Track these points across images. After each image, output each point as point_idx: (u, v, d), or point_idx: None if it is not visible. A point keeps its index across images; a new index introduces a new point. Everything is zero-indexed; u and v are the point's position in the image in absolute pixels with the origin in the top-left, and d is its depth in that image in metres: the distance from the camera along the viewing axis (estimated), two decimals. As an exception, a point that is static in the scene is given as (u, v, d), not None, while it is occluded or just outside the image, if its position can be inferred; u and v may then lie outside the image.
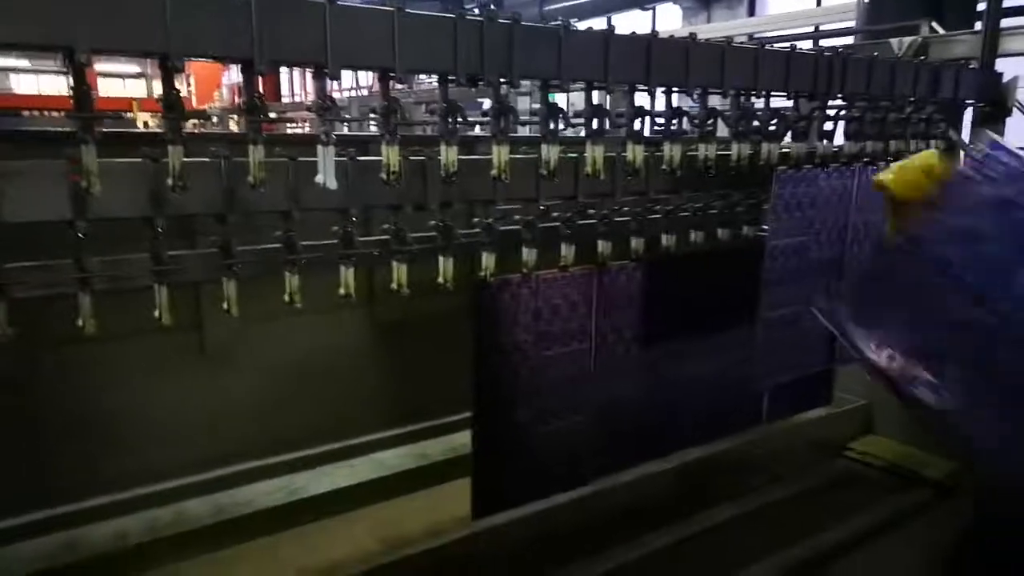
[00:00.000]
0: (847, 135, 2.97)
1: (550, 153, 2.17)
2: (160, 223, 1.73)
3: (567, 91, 2.22)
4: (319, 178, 1.78)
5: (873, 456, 3.67)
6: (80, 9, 1.39)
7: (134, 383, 2.68)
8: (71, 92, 1.48)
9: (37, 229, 1.75)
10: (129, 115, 9.95)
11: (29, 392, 2.49)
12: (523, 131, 3.05)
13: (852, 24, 7.52)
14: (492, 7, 1.95)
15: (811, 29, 9.56)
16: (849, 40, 7.21)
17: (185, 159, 1.64)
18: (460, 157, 2.02)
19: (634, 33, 2.28)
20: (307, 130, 11.06)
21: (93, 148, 1.50)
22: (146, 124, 10.80)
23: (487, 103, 2.09)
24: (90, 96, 1.49)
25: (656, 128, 2.47)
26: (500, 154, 2.06)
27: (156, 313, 1.79)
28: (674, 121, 2.44)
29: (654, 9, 14.73)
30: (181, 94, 1.62)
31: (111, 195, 1.57)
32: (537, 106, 2.21)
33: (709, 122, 2.55)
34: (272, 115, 1.73)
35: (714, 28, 11.27)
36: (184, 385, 2.78)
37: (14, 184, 1.51)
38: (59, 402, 2.55)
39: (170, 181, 1.61)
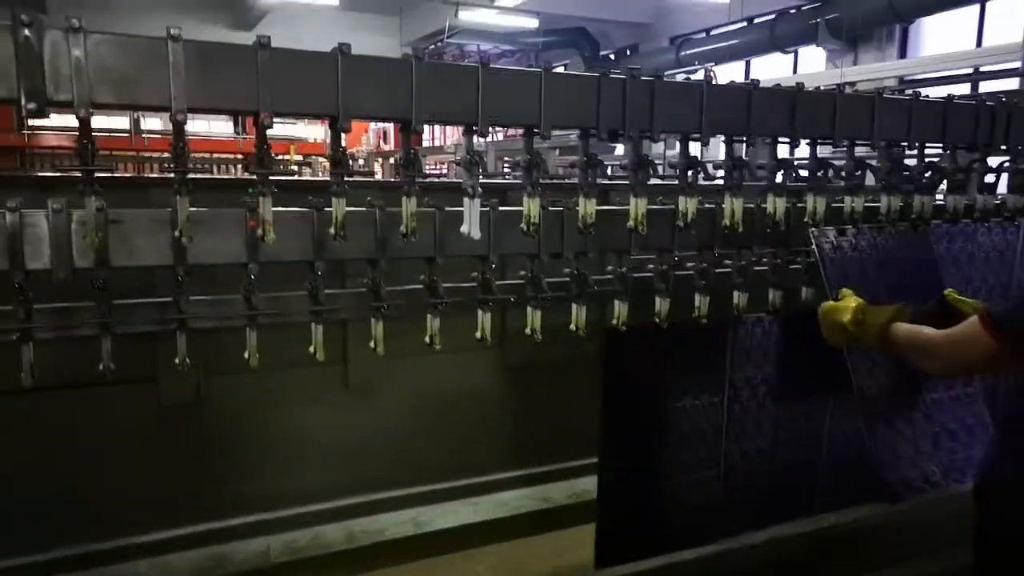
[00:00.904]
0: (1011, 188, 2.77)
1: (687, 205, 2.17)
2: (320, 267, 1.88)
3: (706, 143, 2.22)
4: (464, 228, 1.87)
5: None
6: (266, 79, 1.56)
7: (283, 412, 2.87)
8: (255, 149, 1.65)
9: (211, 268, 1.95)
10: (287, 158, 10.80)
11: (195, 415, 2.72)
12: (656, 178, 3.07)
13: (1016, 65, 6.99)
14: (628, 55, 1.99)
15: (969, 71, 8.99)
16: (1013, 83, 6.72)
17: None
18: (597, 208, 2.06)
19: (778, 86, 2.25)
20: (443, 174, 11.55)
21: (270, 200, 1.66)
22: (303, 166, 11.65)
23: (620, 148, 2.12)
24: (271, 154, 1.66)
25: (797, 179, 2.42)
26: (637, 206, 2.09)
27: (311, 348, 1.93)
28: (818, 172, 2.38)
29: (796, 52, 14.33)
30: (347, 151, 1.76)
31: (280, 241, 1.73)
32: (673, 152, 2.22)
33: (856, 173, 2.46)
34: (424, 169, 1.85)
35: (861, 71, 10.79)
36: (327, 416, 2.95)
37: (200, 230, 1.69)
38: (218, 425, 2.77)
39: (332, 230, 1.75)
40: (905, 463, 2.51)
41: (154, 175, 2.65)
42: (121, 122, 10.50)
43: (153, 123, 11.30)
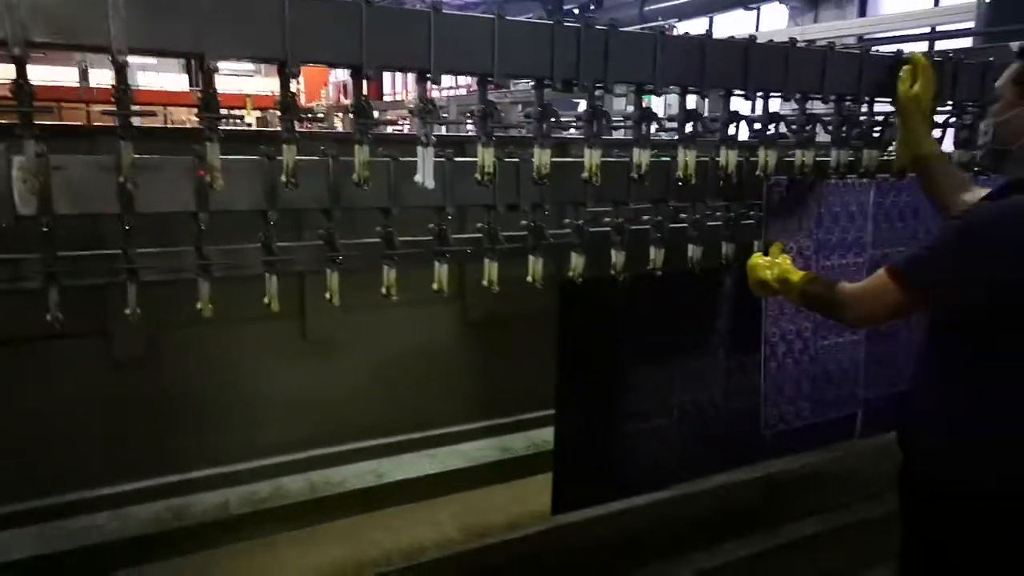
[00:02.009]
0: (957, 143, 2.84)
1: (641, 157, 2.19)
2: (272, 216, 1.86)
3: (661, 95, 2.23)
4: (418, 178, 1.87)
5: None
6: (211, 20, 1.52)
7: (241, 365, 2.86)
8: (199, 94, 1.62)
9: (161, 219, 1.93)
10: (243, 112, 10.53)
11: (150, 369, 2.70)
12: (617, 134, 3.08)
13: (971, 25, 7.09)
14: (592, 8, 1.99)
15: (927, 30, 9.09)
16: (967, 42, 6.83)
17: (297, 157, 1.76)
18: (553, 159, 2.07)
19: (731, 38, 2.27)
20: (406, 129, 11.41)
21: (218, 146, 1.63)
22: (257, 121, 11.40)
23: (582, 105, 2.13)
24: (216, 99, 1.63)
25: (752, 133, 2.45)
26: (592, 157, 2.10)
27: (265, 300, 1.93)
28: (771, 126, 2.42)
29: (759, 9, 14.32)
30: (296, 96, 1.74)
31: (231, 190, 1.70)
32: (631, 109, 2.23)
33: (808, 128, 2.50)
34: (376, 116, 1.83)
35: (822, 28, 10.86)
36: (285, 369, 2.95)
37: (147, 178, 1.66)
38: (174, 379, 2.75)
39: (284, 178, 1.73)
40: (784, 400, 2.69)
41: (102, 124, 2.58)
42: (70, 74, 10.14)
43: (104, 76, 10.93)
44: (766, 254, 2.15)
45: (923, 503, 1.87)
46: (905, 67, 2.38)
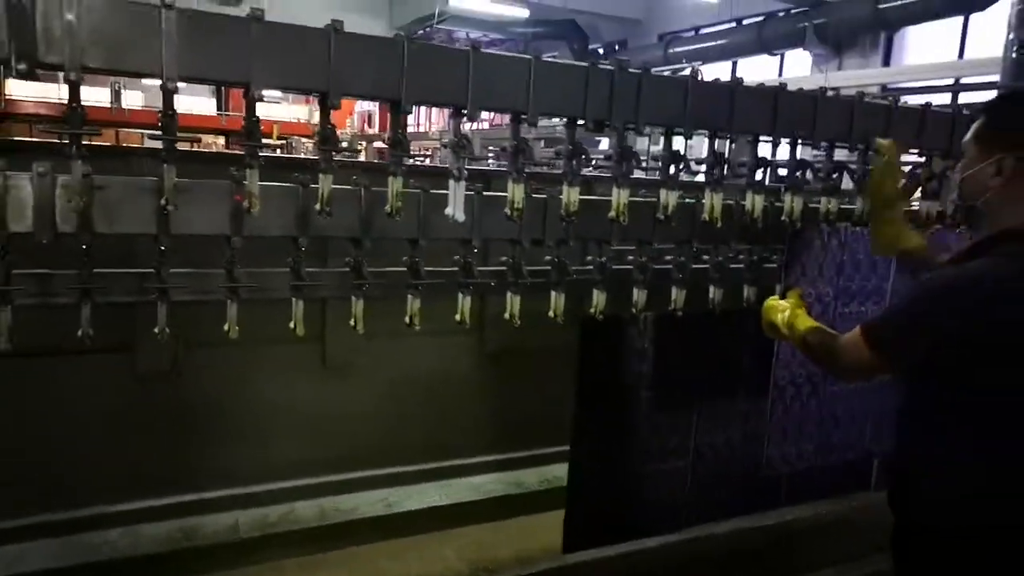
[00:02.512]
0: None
1: (668, 198, 2.21)
2: (303, 243, 1.89)
3: (691, 137, 2.26)
4: (449, 210, 1.90)
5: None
6: (259, 51, 1.57)
7: (260, 387, 2.88)
8: (244, 122, 1.66)
9: (192, 241, 1.96)
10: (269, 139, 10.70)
11: (171, 386, 2.72)
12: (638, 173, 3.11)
13: (996, 79, 7.12)
14: (617, 49, 2.03)
15: (950, 82, 9.13)
16: (992, 95, 6.84)
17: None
18: (580, 197, 2.10)
19: (762, 84, 2.30)
20: (429, 161, 11.54)
21: (257, 173, 1.67)
22: (287, 147, 11.58)
23: (605, 142, 2.16)
24: (259, 126, 1.67)
25: (778, 179, 2.47)
26: (620, 197, 2.12)
27: (291, 324, 1.95)
28: (797, 173, 2.43)
29: (782, 55, 14.46)
30: (335, 127, 1.77)
31: (265, 215, 1.74)
32: (656, 149, 2.26)
33: (834, 175, 2.51)
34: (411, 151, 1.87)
35: (846, 77, 10.91)
36: (303, 394, 2.96)
37: (185, 200, 1.70)
38: (194, 398, 2.77)
39: (318, 206, 1.76)
40: (787, 441, 2.70)
41: (136, 145, 2.65)
42: (101, 95, 10.34)
43: (134, 98, 11.14)
44: (784, 298, 2.16)
45: (929, 556, 1.83)
46: (876, 159, 2.25)
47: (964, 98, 8.37)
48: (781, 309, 2.09)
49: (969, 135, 1.79)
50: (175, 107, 1.62)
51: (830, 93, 2.44)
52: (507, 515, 3.11)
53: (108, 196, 1.68)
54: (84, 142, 1.58)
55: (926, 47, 12.10)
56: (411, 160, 1.93)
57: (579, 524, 2.53)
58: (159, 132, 1.58)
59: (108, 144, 3.40)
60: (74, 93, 1.49)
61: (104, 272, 1.85)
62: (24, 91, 10.86)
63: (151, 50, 1.49)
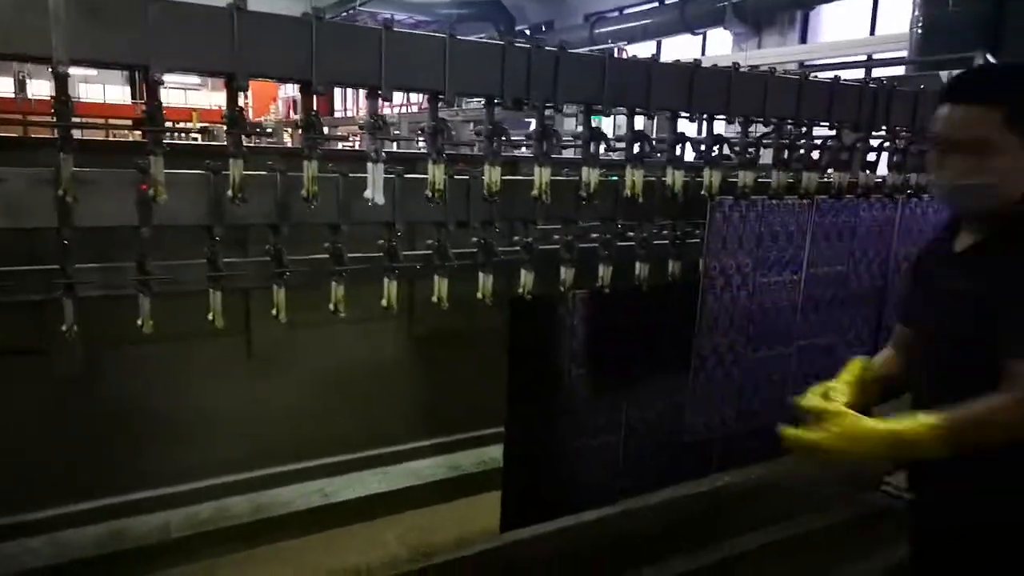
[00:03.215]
0: (891, 167, 2.97)
1: (590, 176, 2.23)
2: (218, 232, 1.83)
3: (609, 115, 2.28)
4: (368, 193, 1.87)
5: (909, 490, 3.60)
6: (157, 32, 1.50)
7: (184, 383, 2.79)
8: (144, 106, 1.59)
9: (100, 233, 1.88)
10: (189, 125, 10.34)
11: (88, 387, 2.61)
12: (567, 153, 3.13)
13: (904, 54, 7.42)
14: (544, 30, 2.03)
15: (864, 58, 9.46)
16: (901, 70, 7.14)
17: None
18: (503, 177, 2.09)
19: (678, 62, 2.33)
20: (356, 146, 11.35)
21: (162, 160, 1.61)
22: (203, 134, 11.21)
23: (533, 124, 2.16)
24: (161, 112, 1.60)
25: (697, 154, 2.52)
26: (541, 175, 2.13)
27: (210, 316, 1.89)
28: (714, 148, 2.49)
29: (705, 35, 14.72)
30: (244, 111, 1.72)
31: (175, 204, 1.67)
32: (580, 128, 2.27)
33: (750, 150, 2.58)
34: (326, 132, 1.82)
35: (764, 55, 11.21)
36: (230, 388, 2.89)
37: (87, 191, 1.62)
38: (114, 398, 2.67)
39: (230, 193, 1.71)
40: (710, 409, 2.74)
41: (43, 136, 2.51)
42: (5, 85, 9.82)
43: (41, 87, 10.61)
44: (707, 275, 2.14)
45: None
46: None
47: (877, 72, 8.68)
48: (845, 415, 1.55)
49: (989, 128, 1.52)
50: (70, 92, 1.54)
51: (745, 69, 2.50)
52: (446, 499, 3.11)
53: (6, 189, 1.59)
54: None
55: (841, 25, 12.52)
56: (330, 144, 1.88)
57: (516, 503, 2.55)
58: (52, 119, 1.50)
59: (11, 135, 3.21)
60: (-44, 80, 1.40)
61: (8, 270, 1.76)
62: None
63: (40, 32, 1.41)
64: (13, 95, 9.80)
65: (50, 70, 1.47)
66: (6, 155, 1.68)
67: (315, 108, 1.81)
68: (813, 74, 2.77)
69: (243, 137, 1.71)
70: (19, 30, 1.42)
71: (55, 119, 1.50)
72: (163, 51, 1.52)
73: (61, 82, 1.49)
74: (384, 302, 2.12)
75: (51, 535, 2.58)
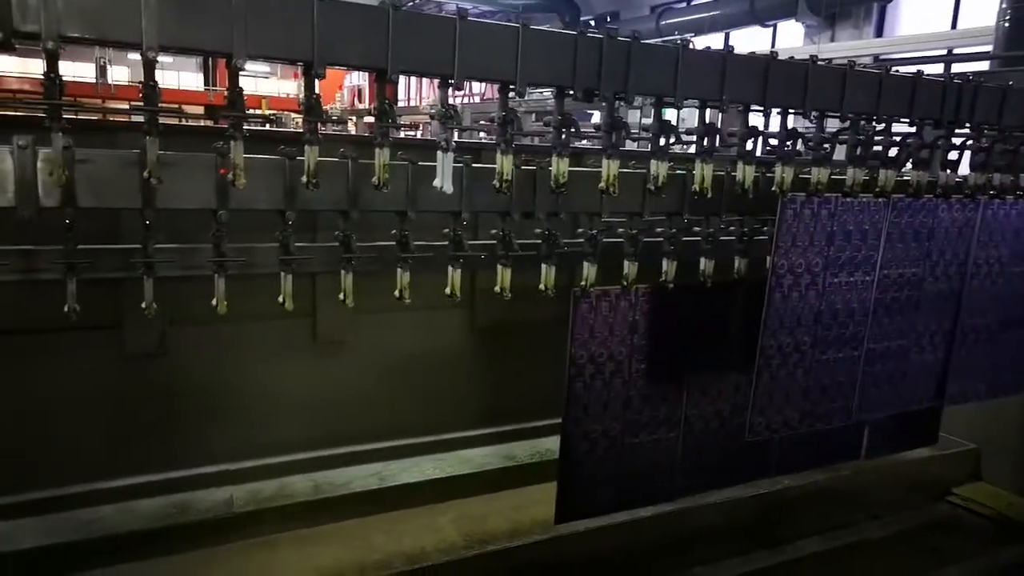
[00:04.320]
0: (973, 166, 2.84)
1: (659, 169, 2.20)
2: (291, 216, 1.87)
3: (681, 108, 2.23)
4: (437, 182, 1.88)
5: (978, 504, 3.47)
6: (240, 20, 1.54)
7: (251, 363, 2.88)
8: (227, 92, 1.63)
9: (179, 216, 1.94)
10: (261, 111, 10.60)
11: (161, 364, 2.71)
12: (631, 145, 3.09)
13: (989, 49, 7.08)
14: (608, 21, 2.00)
15: (943, 52, 9.08)
16: (984, 65, 6.82)
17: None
18: (570, 169, 2.08)
19: (753, 54, 2.27)
20: (419, 134, 11.47)
21: (242, 145, 1.64)
22: (271, 121, 11.48)
23: (597, 115, 2.13)
24: (242, 98, 1.64)
25: (768, 149, 2.45)
26: (609, 168, 2.10)
27: (280, 299, 1.93)
28: (788, 143, 2.42)
29: (775, 27, 14.35)
30: (319, 98, 1.75)
31: (251, 188, 1.71)
32: (648, 120, 2.24)
33: (825, 145, 2.50)
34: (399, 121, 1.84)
35: (838, 48, 10.87)
36: (295, 369, 2.96)
37: (169, 174, 1.67)
38: (183, 375, 2.77)
39: (304, 178, 1.74)
40: (772, 409, 2.62)
41: (123, 119, 2.61)
42: (87, 70, 10.22)
43: (121, 73, 11.01)
44: (775, 273, 2.09)
45: None
46: None
47: (957, 68, 8.33)
48: None
49: None
50: (157, 80, 1.59)
51: (820, 63, 2.42)
52: (499, 488, 3.14)
53: (91, 170, 1.66)
54: (69, 117, 1.56)
55: (919, 18, 12.03)
56: (399, 130, 1.90)
57: (571, 496, 2.54)
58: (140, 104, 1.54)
59: (94, 119, 3.35)
60: (52, 64, 1.46)
61: (89, 248, 1.83)
62: (6, 66, 10.74)
63: (130, 19, 1.46)
64: (94, 80, 10.20)
65: (137, 56, 1.52)
66: (87, 138, 1.75)
67: (388, 97, 1.82)
68: (893, 69, 2.67)
69: (319, 124, 1.74)
70: (110, 17, 1.47)
71: (144, 104, 1.55)
72: (245, 39, 1.55)
73: (149, 68, 1.54)
74: (448, 290, 2.13)
75: (120, 504, 2.69)
